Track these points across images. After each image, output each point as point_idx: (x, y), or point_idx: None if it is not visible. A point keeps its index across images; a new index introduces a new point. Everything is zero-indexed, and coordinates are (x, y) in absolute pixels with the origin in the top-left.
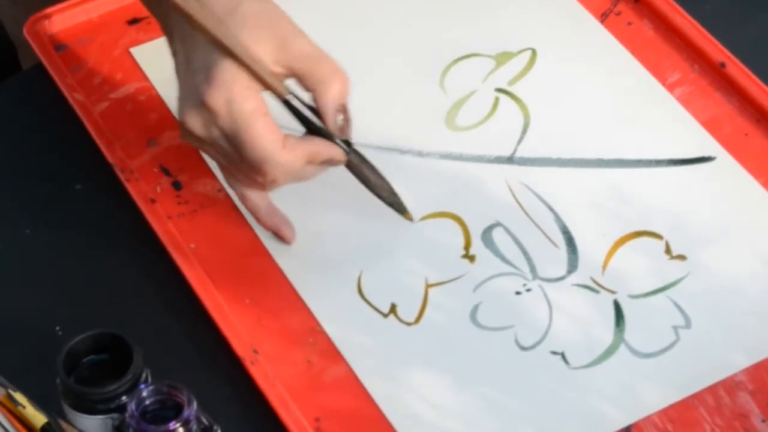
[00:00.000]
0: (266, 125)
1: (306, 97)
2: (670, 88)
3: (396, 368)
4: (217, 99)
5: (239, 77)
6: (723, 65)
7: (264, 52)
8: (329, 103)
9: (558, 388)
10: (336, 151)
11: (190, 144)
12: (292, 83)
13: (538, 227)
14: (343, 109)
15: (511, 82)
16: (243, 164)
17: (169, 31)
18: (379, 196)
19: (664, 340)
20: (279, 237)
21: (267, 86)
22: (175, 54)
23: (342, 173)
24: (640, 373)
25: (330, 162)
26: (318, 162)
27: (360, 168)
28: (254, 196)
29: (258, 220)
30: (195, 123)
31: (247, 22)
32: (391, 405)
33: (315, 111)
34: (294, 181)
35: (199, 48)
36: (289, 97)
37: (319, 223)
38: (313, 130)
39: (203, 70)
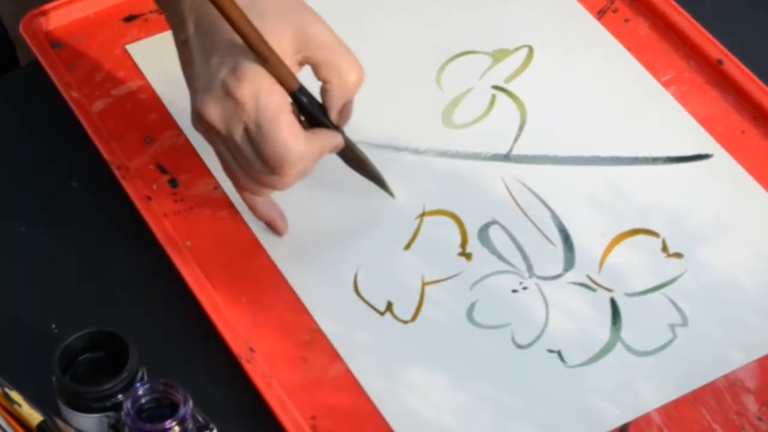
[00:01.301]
0: (291, 121)
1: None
2: (667, 85)
3: (392, 366)
4: (245, 92)
5: (263, 70)
6: (720, 62)
7: (282, 40)
8: (340, 95)
9: (555, 386)
10: (340, 141)
11: (202, 134)
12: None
13: (535, 225)
14: (349, 102)
15: (508, 80)
16: (256, 161)
17: (178, 21)
18: (368, 176)
19: (661, 338)
20: (272, 228)
21: (278, 78)
22: (184, 43)
23: (339, 171)
24: (637, 371)
25: (332, 151)
26: (328, 152)
27: (351, 152)
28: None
29: (254, 212)
30: (215, 114)
31: (267, 10)
32: (388, 402)
33: (318, 103)
34: (302, 178)
35: (223, 40)
36: (297, 91)
37: (316, 221)
38: (314, 121)
39: (228, 62)
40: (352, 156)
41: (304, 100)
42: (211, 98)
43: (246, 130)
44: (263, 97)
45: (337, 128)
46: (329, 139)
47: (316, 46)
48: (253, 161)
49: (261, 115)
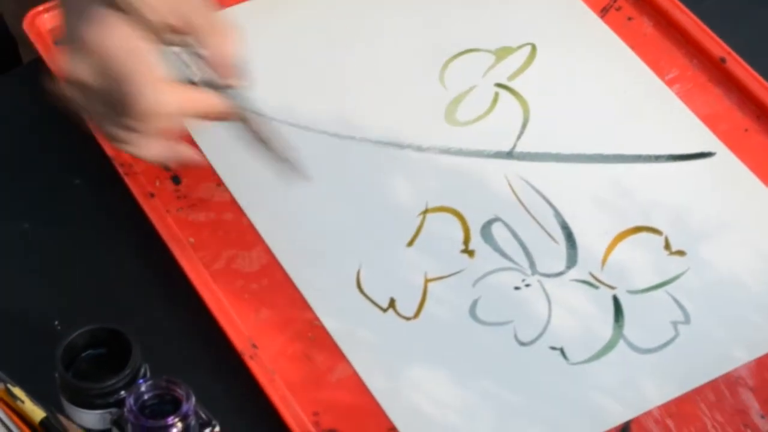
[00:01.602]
0: (146, 62)
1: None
2: (670, 83)
3: (395, 363)
4: (96, 34)
5: (119, 16)
6: (723, 61)
7: (159, 6)
8: (222, 53)
9: (557, 383)
10: (219, 103)
11: (74, 98)
12: None
13: (538, 222)
14: (237, 65)
15: (511, 78)
16: (122, 109)
17: None
18: (275, 156)
19: (664, 336)
20: (188, 164)
21: (156, 38)
22: (59, 5)
23: (340, 168)
24: (639, 369)
25: (215, 115)
26: (199, 110)
27: (255, 126)
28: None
29: (147, 158)
30: (76, 65)
31: None
32: (390, 399)
33: (200, 64)
34: (171, 125)
35: (93, 2)
36: (177, 50)
37: (319, 218)
38: (206, 84)
39: (81, 11)
40: (253, 132)
41: (180, 59)
42: (71, 51)
43: (104, 72)
44: (116, 37)
45: (227, 89)
46: (201, 97)
47: (189, 11)
48: (119, 107)
49: (115, 54)
